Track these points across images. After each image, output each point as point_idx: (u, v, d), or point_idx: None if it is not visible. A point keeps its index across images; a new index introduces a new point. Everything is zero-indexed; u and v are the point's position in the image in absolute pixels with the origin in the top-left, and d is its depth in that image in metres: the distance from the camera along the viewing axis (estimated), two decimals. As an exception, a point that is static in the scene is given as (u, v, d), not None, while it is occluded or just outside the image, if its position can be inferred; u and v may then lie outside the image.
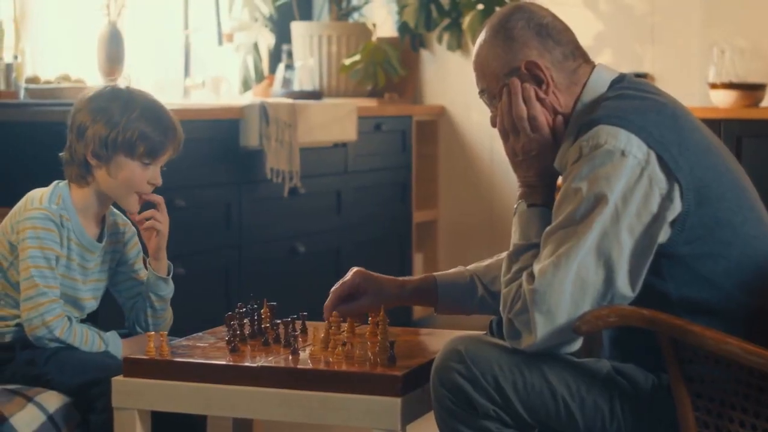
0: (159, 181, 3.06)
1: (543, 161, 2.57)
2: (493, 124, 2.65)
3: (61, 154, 3.07)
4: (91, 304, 3.12)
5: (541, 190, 2.59)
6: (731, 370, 2.28)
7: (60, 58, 4.85)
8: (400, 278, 2.92)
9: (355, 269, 2.89)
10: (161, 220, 3.08)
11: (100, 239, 3.10)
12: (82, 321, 3.10)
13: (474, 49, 2.66)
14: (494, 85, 2.60)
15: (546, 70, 2.56)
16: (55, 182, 3.07)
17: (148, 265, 3.13)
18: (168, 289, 3.14)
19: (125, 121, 2.99)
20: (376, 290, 2.87)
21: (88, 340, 2.99)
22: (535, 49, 2.57)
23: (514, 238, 2.57)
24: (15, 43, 4.57)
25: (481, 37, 2.62)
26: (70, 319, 2.98)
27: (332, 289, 2.87)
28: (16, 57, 4.52)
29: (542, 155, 2.57)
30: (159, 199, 3.08)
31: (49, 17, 4.84)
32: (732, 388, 2.30)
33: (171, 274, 3.15)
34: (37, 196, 3.03)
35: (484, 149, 6.02)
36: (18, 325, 3.01)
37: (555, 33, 2.59)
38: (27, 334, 2.96)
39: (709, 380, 2.32)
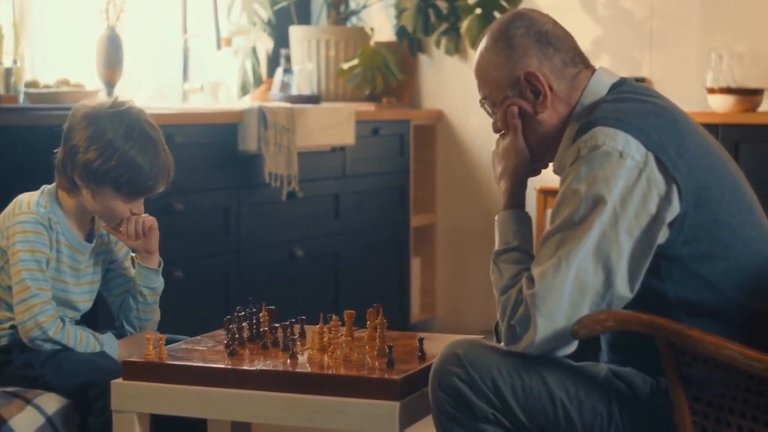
0: (141, 211, 3.05)
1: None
2: (495, 131, 2.67)
3: (55, 151, 3.05)
4: (86, 305, 3.12)
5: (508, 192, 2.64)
6: (730, 374, 2.28)
7: (59, 63, 4.85)
8: None
9: None
10: (150, 219, 3.07)
11: (89, 239, 3.10)
12: (77, 323, 3.10)
13: (475, 56, 2.66)
14: (496, 93, 2.61)
15: (544, 81, 2.57)
16: (43, 186, 3.07)
17: (137, 260, 3.13)
18: (159, 282, 3.14)
19: (117, 157, 2.95)
20: None
21: (83, 340, 2.99)
22: (534, 57, 2.57)
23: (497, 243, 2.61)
24: (14, 48, 4.57)
25: (482, 44, 2.63)
26: (63, 319, 2.98)
27: None
28: (15, 61, 4.52)
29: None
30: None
31: (48, 22, 4.84)
32: (730, 392, 2.30)
33: (161, 267, 3.15)
34: (25, 200, 3.03)
35: (482, 153, 6.02)
36: (13, 327, 3.01)
37: (555, 40, 2.59)
38: (21, 336, 2.97)
39: (707, 384, 2.32)
